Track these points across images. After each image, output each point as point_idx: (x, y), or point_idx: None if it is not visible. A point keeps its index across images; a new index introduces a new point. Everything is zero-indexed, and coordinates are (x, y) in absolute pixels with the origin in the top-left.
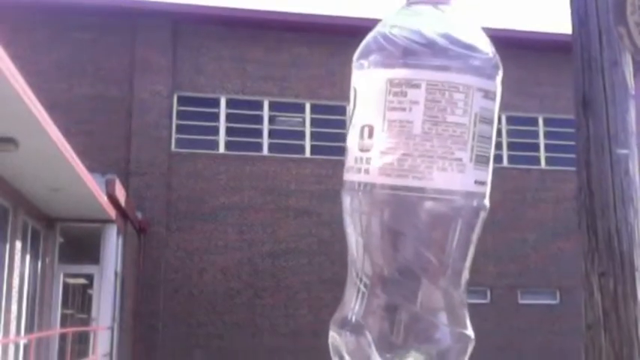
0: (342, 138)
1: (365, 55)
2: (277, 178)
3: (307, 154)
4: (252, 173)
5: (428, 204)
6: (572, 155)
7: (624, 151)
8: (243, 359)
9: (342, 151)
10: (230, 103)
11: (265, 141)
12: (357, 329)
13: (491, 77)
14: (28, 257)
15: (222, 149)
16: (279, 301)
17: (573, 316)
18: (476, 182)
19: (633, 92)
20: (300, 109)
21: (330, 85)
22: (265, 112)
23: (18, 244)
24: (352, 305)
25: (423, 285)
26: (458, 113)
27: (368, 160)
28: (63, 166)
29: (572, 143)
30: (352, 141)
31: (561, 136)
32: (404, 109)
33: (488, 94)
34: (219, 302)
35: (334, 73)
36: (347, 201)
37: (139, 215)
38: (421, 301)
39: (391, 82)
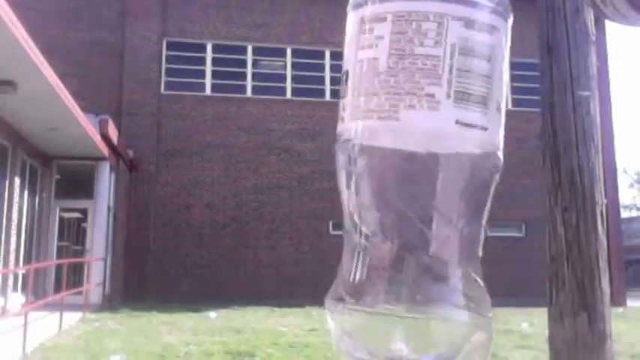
0: (321, 81)
1: (350, 3)
2: (260, 118)
3: (288, 95)
4: (237, 114)
5: (398, 146)
6: (537, 97)
7: (586, 93)
8: (228, 288)
9: (321, 93)
10: (216, 48)
11: (249, 83)
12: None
13: (477, 6)
14: (26, 193)
15: (208, 91)
16: (262, 233)
17: (538, 248)
18: (457, 122)
19: (594, 38)
20: (282, 53)
21: (310, 30)
22: (249, 57)
23: (17, 181)
24: (350, 272)
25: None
26: (428, 44)
27: (344, 107)
28: (59, 107)
29: (537, 86)
30: (342, 91)
31: (527, 79)
32: (371, 46)
33: (472, 24)
34: (205, 235)
35: (314, 19)
36: (337, 155)
37: (131, 153)
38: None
39: (362, 21)
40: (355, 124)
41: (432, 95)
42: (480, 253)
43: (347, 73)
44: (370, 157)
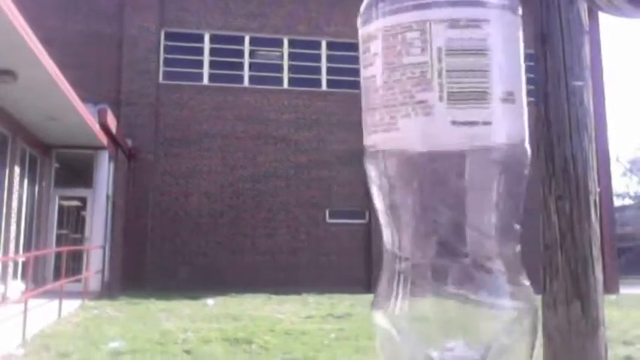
0: (318, 71)
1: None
2: (257, 108)
3: (285, 85)
4: (234, 103)
5: (405, 156)
6: (531, 87)
7: (579, 83)
8: (225, 276)
9: (317, 83)
10: (213, 39)
11: (246, 73)
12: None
13: (460, 4)
14: (26, 181)
15: (206, 81)
16: (259, 221)
17: (532, 237)
18: (455, 123)
19: (587, 29)
20: (279, 43)
21: (306, 21)
22: (246, 47)
23: (17, 169)
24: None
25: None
26: (414, 53)
27: (363, 122)
28: (58, 97)
29: (531, 76)
30: None
31: None
32: (371, 64)
33: (457, 23)
34: (203, 223)
35: (310, 10)
36: (368, 170)
37: (129, 142)
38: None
39: (362, 41)
40: (370, 139)
41: (424, 101)
42: (518, 245)
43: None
44: (388, 170)
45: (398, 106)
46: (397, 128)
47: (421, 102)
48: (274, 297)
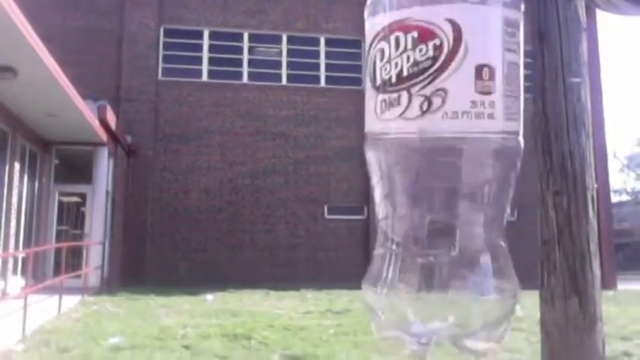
0: (316, 67)
1: None
2: (256, 104)
3: (284, 82)
4: (233, 100)
5: (518, 146)
6: (529, 83)
7: (577, 80)
8: (224, 271)
9: (316, 79)
10: (212, 35)
11: (245, 70)
12: (391, 283)
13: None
14: (25, 177)
15: (205, 77)
16: (258, 217)
17: (530, 232)
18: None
19: (585, 26)
20: (277, 40)
21: (305, 18)
22: (245, 44)
23: (16, 166)
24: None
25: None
26: (521, 56)
27: (492, 104)
28: (58, 93)
29: (529, 72)
30: (462, 81)
31: None
32: (514, 51)
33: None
34: (202, 219)
35: (309, 6)
36: (456, 150)
37: (129, 139)
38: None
39: (507, 22)
40: (510, 125)
41: (520, 100)
42: (505, 238)
43: (490, 68)
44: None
45: (520, 100)
46: (518, 120)
47: (519, 101)
48: (273, 293)
